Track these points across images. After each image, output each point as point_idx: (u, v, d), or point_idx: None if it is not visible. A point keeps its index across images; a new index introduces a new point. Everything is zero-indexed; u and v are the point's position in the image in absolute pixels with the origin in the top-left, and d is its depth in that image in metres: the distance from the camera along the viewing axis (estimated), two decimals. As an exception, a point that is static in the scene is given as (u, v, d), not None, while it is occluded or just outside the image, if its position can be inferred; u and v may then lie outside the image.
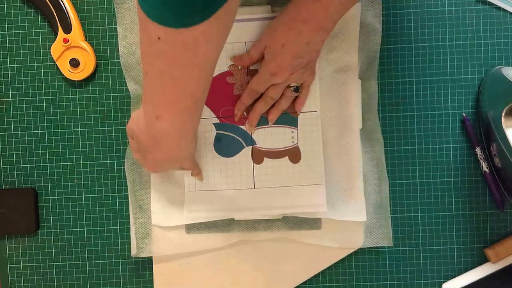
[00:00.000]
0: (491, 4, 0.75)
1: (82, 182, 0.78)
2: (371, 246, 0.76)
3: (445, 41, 0.76)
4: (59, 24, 0.75)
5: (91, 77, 0.77)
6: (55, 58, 0.75)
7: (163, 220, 0.76)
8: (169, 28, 0.49)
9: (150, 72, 0.56)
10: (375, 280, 0.77)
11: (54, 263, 0.78)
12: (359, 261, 0.77)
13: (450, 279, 0.77)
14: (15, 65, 0.77)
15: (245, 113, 0.75)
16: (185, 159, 0.68)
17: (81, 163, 0.78)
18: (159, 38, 0.50)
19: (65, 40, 0.75)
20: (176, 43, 0.51)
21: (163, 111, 0.58)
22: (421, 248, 0.77)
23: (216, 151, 0.75)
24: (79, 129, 0.78)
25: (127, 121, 0.73)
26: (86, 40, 0.76)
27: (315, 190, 0.75)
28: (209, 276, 0.77)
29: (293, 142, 0.75)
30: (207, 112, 0.75)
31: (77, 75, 0.76)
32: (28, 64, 0.77)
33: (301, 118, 0.75)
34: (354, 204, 0.75)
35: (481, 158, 0.75)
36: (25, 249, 0.78)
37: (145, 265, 0.78)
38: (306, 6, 0.64)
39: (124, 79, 0.76)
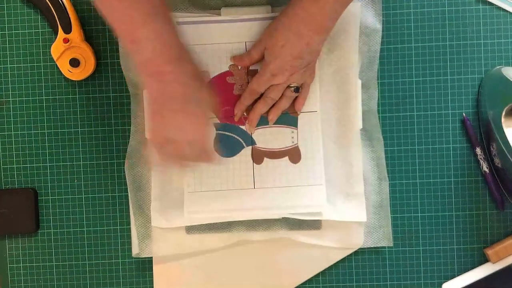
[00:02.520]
0: (491, 4, 0.75)
1: (82, 182, 0.78)
2: (371, 246, 0.76)
3: (445, 41, 0.76)
4: (59, 24, 0.75)
5: (91, 77, 0.77)
6: (55, 58, 0.75)
7: (163, 222, 0.75)
8: None
9: (105, 7, 0.59)
10: (375, 280, 0.77)
11: (54, 263, 0.78)
12: (359, 261, 0.77)
13: (450, 279, 0.77)
14: (15, 65, 0.77)
15: (245, 113, 0.75)
16: (191, 69, 0.64)
17: (81, 163, 0.78)
18: None
19: (65, 40, 0.75)
20: None
21: (135, 28, 0.59)
22: (421, 248, 0.77)
23: (216, 151, 0.75)
24: (79, 129, 0.78)
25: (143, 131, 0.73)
26: (86, 40, 0.76)
27: (315, 190, 0.75)
28: (209, 276, 0.77)
29: (293, 142, 0.75)
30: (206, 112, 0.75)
31: (77, 75, 0.76)
32: (28, 64, 0.77)
33: (301, 118, 0.75)
34: (354, 204, 0.75)
35: (481, 158, 0.75)
36: (25, 249, 0.78)
37: (145, 265, 0.78)
38: (303, 7, 0.64)
39: (124, 79, 0.76)
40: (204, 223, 0.75)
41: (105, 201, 0.78)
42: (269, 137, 0.75)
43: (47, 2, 0.74)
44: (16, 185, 0.78)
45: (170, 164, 0.70)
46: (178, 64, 0.62)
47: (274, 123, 0.75)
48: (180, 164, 0.68)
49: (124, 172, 0.77)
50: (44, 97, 0.77)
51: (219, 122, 0.75)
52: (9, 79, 0.77)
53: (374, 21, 0.75)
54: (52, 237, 0.78)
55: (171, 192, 0.76)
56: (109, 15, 0.60)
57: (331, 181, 0.75)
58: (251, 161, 0.75)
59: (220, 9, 0.75)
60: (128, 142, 0.76)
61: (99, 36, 0.77)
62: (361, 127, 0.75)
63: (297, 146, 0.75)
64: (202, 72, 0.69)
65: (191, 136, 0.64)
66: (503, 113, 0.71)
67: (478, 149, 0.75)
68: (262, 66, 0.70)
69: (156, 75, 0.61)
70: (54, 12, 0.75)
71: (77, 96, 0.78)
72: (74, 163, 0.78)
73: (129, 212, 0.77)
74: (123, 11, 0.59)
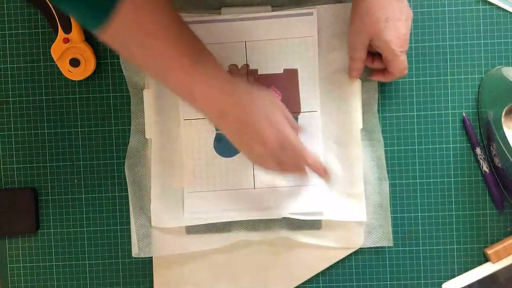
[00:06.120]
0: (491, 4, 0.75)
1: (82, 182, 0.78)
2: (371, 246, 0.76)
3: (445, 41, 0.76)
4: (59, 24, 0.75)
5: (91, 77, 0.77)
6: (55, 58, 0.75)
7: (162, 222, 0.75)
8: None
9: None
10: (375, 280, 0.77)
11: (54, 263, 0.78)
12: (359, 261, 0.77)
13: (450, 279, 0.77)
14: (15, 65, 0.77)
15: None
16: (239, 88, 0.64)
17: (81, 163, 0.78)
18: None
19: (65, 40, 0.75)
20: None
21: (190, 85, 0.60)
22: (421, 248, 0.77)
23: (216, 151, 0.75)
24: (79, 129, 0.78)
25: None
26: (86, 40, 0.76)
27: (315, 190, 0.75)
28: (209, 276, 0.77)
29: (293, 142, 0.75)
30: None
31: (77, 75, 0.76)
32: (28, 64, 0.77)
33: (301, 118, 0.75)
34: (354, 204, 0.75)
35: (481, 158, 0.75)
36: (25, 249, 0.78)
37: (145, 265, 0.78)
38: None
39: (124, 79, 0.76)
40: (204, 223, 0.75)
41: (105, 201, 0.78)
42: (269, 137, 0.75)
43: (47, 2, 0.74)
44: (16, 185, 0.78)
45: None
46: (234, 97, 0.62)
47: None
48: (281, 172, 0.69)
49: (124, 172, 0.77)
50: (44, 97, 0.77)
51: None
52: (9, 79, 0.77)
53: (374, 21, 0.75)
54: (52, 237, 0.78)
55: (171, 192, 0.76)
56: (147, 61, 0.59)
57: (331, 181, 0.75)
58: (251, 161, 0.75)
59: (220, 9, 0.75)
60: (128, 142, 0.76)
61: (99, 36, 0.77)
62: (361, 127, 0.75)
63: (297, 146, 0.75)
64: (249, 78, 0.69)
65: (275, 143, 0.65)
66: (503, 113, 0.71)
67: (478, 149, 0.75)
68: (384, 53, 0.69)
69: (221, 117, 0.63)
70: (54, 12, 0.74)
71: (77, 96, 0.78)
72: (74, 163, 0.78)
73: (129, 212, 0.77)
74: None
